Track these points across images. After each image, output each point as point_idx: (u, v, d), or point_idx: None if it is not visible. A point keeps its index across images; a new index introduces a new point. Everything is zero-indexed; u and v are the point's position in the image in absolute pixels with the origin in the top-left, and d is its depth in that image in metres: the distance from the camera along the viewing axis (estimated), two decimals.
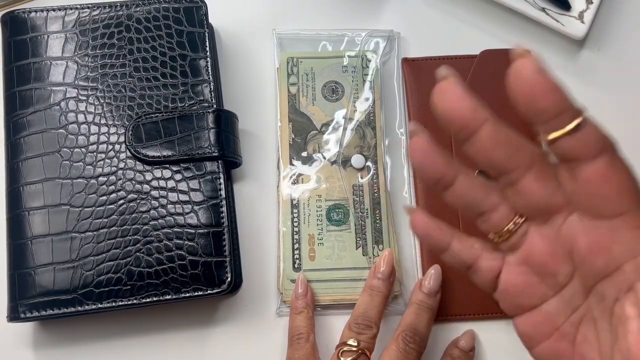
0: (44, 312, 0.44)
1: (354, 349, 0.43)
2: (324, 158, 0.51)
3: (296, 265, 0.48)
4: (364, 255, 0.49)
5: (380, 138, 0.52)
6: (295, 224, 0.49)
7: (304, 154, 0.51)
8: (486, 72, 0.53)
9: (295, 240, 0.49)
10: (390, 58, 0.54)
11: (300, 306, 0.46)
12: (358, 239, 0.49)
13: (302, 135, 0.51)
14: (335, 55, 0.53)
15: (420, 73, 0.53)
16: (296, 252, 0.49)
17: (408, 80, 0.53)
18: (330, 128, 0.52)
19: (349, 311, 0.46)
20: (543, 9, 0.54)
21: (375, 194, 0.50)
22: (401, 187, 0.52)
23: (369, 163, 0.51)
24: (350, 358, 0.42)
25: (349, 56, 0.53)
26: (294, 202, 0.50)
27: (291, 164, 0.51)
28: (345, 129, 0.51)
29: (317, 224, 0.49)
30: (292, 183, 0.50)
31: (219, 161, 0.47)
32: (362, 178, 0.50)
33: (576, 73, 0.55)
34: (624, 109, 0.54)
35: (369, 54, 0.53)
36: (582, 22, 0.54)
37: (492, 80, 0.53)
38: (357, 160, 0.51)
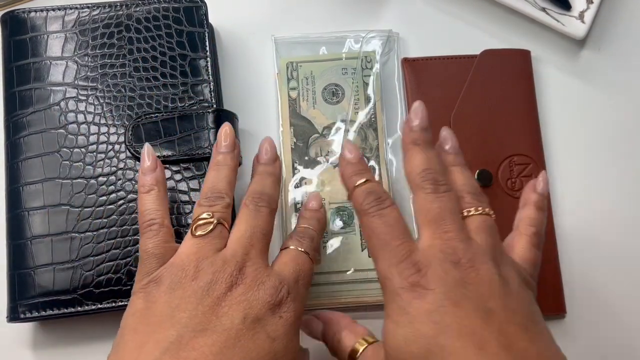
0: (43, 313, 0.44)
1: (208, 220, 0.39)
2: (327, 161, 0.51)
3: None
4: (369, 257, 0.48)
5: (382, 139, 0.51)
6: None
7: (307, 157, 0.51)
8: (486, 72, 0.53)
9: None
10: (389, 58, 0.54)
11: (149, 183, 0.41)
12: (363, 241, 0.49)
13: (304, 139, 0.51)
14: (334, 57, 0.53)
15: (420, 73, 0.53)
16: None
17: (408, 80, 0.53)
18: (332, 131, 0.52)
19: (356, 314, 0.46)
20: (543, 9, 0.54)
21: None
22: (404, 188, 0.51)
23: (371, 162, 0.51)
24: (206, 231, 0.38)
25: (348, 58, 0.53)
26: (298, 206, 0.50)
27: (294, 168, 0.51)
28: (346, 131, 0.51)
29: None
30: (295, 187, 0.50)
31: None
32: None
33: (576, 73, 0.55)
34: (624, 109, 0.54)
35: (369, 55, 0.53)
36: (583, 21, 0.53)
37: (492, 80, 0.53)
38: None
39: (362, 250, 0.49)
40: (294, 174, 0.51)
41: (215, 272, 0.37)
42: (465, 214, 0.39)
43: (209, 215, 0.39)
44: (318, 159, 0.51)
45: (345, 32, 0.54)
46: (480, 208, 0.39)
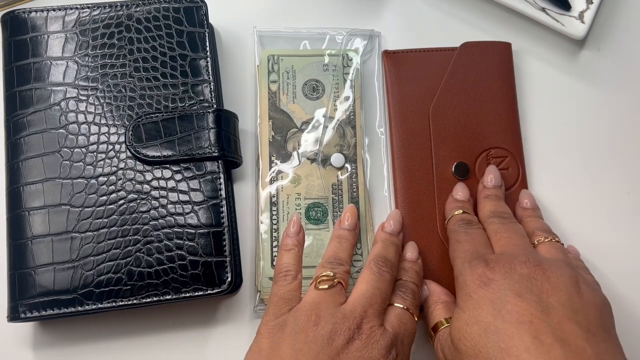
0: (44, 312, 0.44)
1: (330, 277, 0.43)
2: (304, 156, 0.51)
3: (274, 263, 0.48)
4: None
5: (360, 137, 0.52)
6: (275, 222, 0.49)
7: (284, 151, 0.51)
8: (466, 64, 0.53)
9: (274, 239, 0.49)
10: (370, 57, 0.54)
11: (291, 244, 0.45)
12: None
13: (282, 133, 0.51)
14: (316, 53, 0.53)
15: (400, 65, 0.53)
16: (275, 250, 0.49)
17: (389, 73, 0.53)
18: (311, 126, 0.52)
19: None
20: (543, 9, 0.54)
21: (354, 193, 0.50)
22: (380, 186, 0.51)
23: (349, 160, 0.51)
24: (327, 285, 0.42)
25: (330, 55, 0.53)
26: (273, 200, 0.50)
27: (270, 161, 0.51)
28: (325, 127, 0.51)
29: None
30: (271, 181, 0.50)
31: (219, 161, 0.47)
32: (341, 176, 0.50)
33: (576, 73, 0.55)
34: (624, 109, 0.54)
35: (350, 53, 0.53)
36: (582, 22, 0.54)
37: (472, 72, 0.53)
38: (336, 159, 0.50)
39: None
40: (270, 167, 0.50)
41: (335, 323, 0.40)
42: (536, 242, 0.44)
43: (331, 274, 0.43)
44: (295, 153, 0.51)
45: (328, 29, 0.54)
46: (549, 237, 0.44)
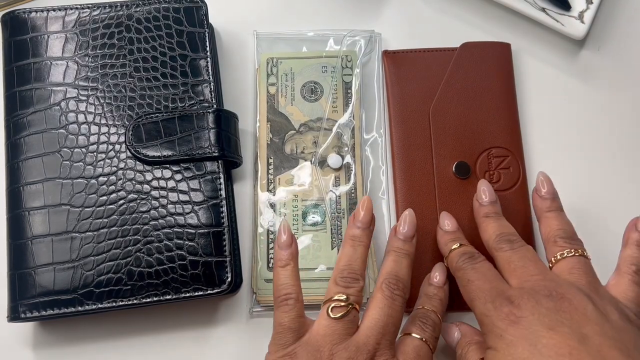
0: (44, 312, 0.44)
1: (343, 303, 0.41)
2: (302, 158, 0.51)
3: (271, 265, 0.48)
4: None
5: (359, 139, 0.52)
6: (271, 225, 0.49)
7: (282, 154, 0.51)
8: (466, 64, 0.53)
9: (270, 240, 0.49)
10: (370, 59, 0.54)
11: (285, 258, 0.43)
12: (334, 239, 0.49)
13: (280, 136, 0.51)
14: (315, 55, 0.53)
15: (400, 65, 0.53)
16: (271, 251, 0.49)
17: (389, 73, 0.53)
18: (308, 128, 0.52)
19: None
20: (543, 9, 0.54)
21: (352, 195, 0.50)
22: (378, 188, 0.51)
23: (346, 162, 0.51)
24: (341, 314, 0.40)
25: (328, 57, 0.53)
26: (271, 202, 0.50)
27: (268, 163, 0.51)
28: (323, 129, 0.52)
29: (293, 224, 0.49)
30: (268, 183, 0.50)
31: (219, 161, 0.47)
32: (338, 183, 0.50)
33: (576, 73, 0.55)
34: (624, 109, 0.54)
35: (349, 55, 0.53)
36: (582, 22, 0.54)
37: (472, 72, 0.53)
38: (334, 160, 0.51)
39: (332, 249, 0.49)
40: (268, 170, 0.51)
41: (349, 358, 0.39)
42: (559, 257, 0.42)
43: (344, 297, 0.41)
44: (293, 155, 0.51)
45: (328, 30, 0.54)
46: (573, 250, 0.42)
